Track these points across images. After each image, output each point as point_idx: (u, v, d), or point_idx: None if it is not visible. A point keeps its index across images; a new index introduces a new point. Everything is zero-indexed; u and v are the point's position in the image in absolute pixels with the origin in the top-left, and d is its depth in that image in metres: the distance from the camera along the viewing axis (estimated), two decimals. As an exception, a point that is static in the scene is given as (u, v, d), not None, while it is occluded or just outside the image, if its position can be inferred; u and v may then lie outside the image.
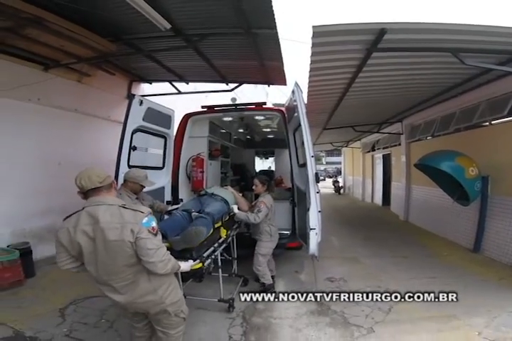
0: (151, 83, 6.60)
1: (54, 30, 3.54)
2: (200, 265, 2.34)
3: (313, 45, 2.97)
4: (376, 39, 2.95)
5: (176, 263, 1.72)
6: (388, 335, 2.60)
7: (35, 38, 3.75)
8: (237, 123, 6.14)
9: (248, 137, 8.19)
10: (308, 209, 3.16)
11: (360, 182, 13.55)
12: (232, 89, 6.14)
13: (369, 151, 12.44)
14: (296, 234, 4.06)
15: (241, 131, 7.13)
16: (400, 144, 8.51)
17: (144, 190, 3.11)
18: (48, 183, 4.56)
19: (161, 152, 4.11)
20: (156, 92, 6.31)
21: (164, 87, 6.50)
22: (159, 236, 1.63)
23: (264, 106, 4.74)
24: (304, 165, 3.53)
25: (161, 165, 4.11)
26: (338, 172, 23.31)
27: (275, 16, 3.33)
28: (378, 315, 2.92)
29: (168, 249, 1.73)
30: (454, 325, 2.74)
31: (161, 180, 4.04)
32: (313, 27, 2.67)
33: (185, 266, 2.03)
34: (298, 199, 4.09)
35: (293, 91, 3.40)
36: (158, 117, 3.88)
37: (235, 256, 3.72)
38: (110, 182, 1.68)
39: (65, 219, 1.63)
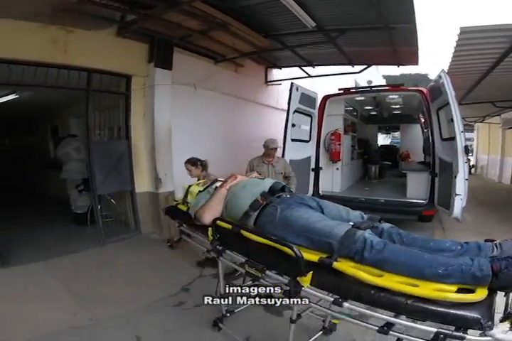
0: (281, 68, 7.22)
1: (232, 31, 4.25)
2: None
3: (459, 39, 3.31)
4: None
5: None
6: None
7: (216, 38, 4.54)
8: (368, 101, 6.62)
9: (372, 113, 8.46)
10: (455, 177, 3.49)
11: (498, 162, 11.86)
12: (360, 71, 6.41)
13: (511, 127, 10.69)
14: (435, 202, 4.30)
15: (367, 108, 7.52)
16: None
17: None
18: (218, 152, 5.73)
19: (308, 128, 5.03)
20: (284, 77, 6.99)
21: (290, 70, 7.10)
22: None
23: (401, 87, 5.10)
24: (447, 139, 3.96)
25: (308, 139, 5.06)
26: (468, 150, 20.19)
27: (415, 13, 3.59)
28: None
29: None
30: None
31: (308, 151, 5.04)
32: (461, 28, 3.06)
33: None
34: (440, 170, 4.29)
35: (440, 76, 3.73)
36: (307, 100, 4.81)
37: None
38: None
39: None
